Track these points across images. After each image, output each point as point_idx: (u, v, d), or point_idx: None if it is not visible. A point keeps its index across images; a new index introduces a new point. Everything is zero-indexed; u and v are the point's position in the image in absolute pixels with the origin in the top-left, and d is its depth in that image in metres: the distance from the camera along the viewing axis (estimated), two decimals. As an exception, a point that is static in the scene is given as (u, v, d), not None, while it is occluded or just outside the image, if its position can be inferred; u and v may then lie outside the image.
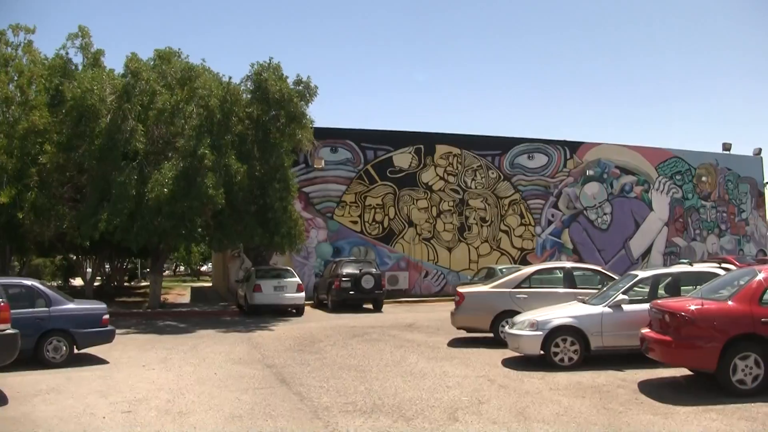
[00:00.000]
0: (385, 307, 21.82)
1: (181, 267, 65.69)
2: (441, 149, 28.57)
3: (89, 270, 31.00)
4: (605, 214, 30.85)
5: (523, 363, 10.50)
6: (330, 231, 26.86)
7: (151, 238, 18.49)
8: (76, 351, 11.24)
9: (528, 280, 13.20)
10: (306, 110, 20.62)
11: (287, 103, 19.73)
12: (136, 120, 18.82)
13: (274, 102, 19.70)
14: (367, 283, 20.90)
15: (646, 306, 9.45)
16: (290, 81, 20.28)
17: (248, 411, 7.70)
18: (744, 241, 33.78)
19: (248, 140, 19.94)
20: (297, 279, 20.85)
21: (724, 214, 33.50)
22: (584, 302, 10.90)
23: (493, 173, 29.22)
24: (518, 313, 11.71)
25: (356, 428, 6.93)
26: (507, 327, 11.27)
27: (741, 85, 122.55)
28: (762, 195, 34.77)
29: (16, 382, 9.48)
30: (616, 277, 12.54)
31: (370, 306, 21.73)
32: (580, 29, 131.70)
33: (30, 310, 10.76)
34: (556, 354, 10.16)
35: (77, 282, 35.22)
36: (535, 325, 10.30)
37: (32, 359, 10.67)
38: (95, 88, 18.15)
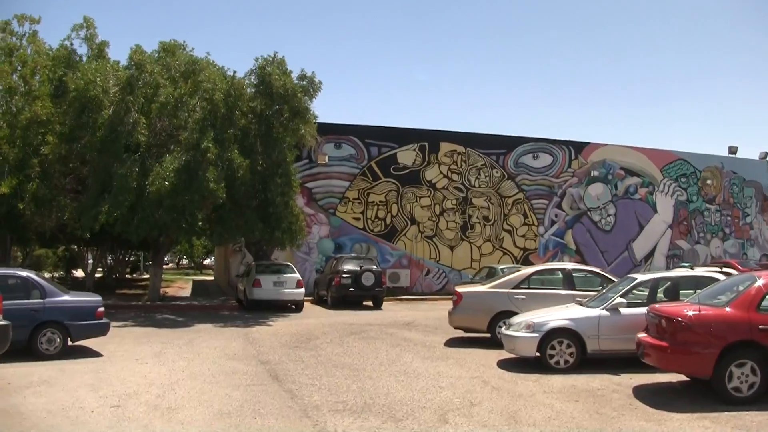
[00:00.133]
0: (385, 304, 21.74)
1: (184, 260, 65.84)
2: (445, 147, 28.44)
3: (91, 261, 31.03)
4: (609, 215, 30.67)
5: (518, 365, 10.41)
6: (332, 227, 26.78)
7: (151, 231, 18.44)
8: (70, 343, 11.21)
9: (527, 281, 13.08)
10: (309, 105, 20.60)
11: (291, 98, 19.68)
12: (138, 112, 18.81)
13: (278, 96, 19.64)
14: (368, 280, 20.82)
15: (644, 310, 9.33)
16: (294, 76, 20.22)
17: (237, 408, 7.64)
18: (748, 245, 33.53)
19: (251, 134, 19.88)
20: (297, 275, 20.79)
21: (729, 218, 33.26)
22: (582, 304, 10.80)
23: (497, 172, 29.08)
24: (516, 313, 11.62)
25: (344, 428, 6.87)
26: (503, 328, 11.19)
27: (748, 89, 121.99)
28: (767, 199, 34.52)
29: (8, 373, 9.47)
30: (616, 280, 12.43)
31: (371, 303, 21.66)
32: (585, 29, 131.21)
33: (24, 301, 10.75)
34: (551, 356, 10.07)
35: (79, 273, 35.25)
36: (531, 327, 10.21)
37: (26, 351, 10.65)
38: (98, 79, 18.12)
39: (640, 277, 10.91)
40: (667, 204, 31.85)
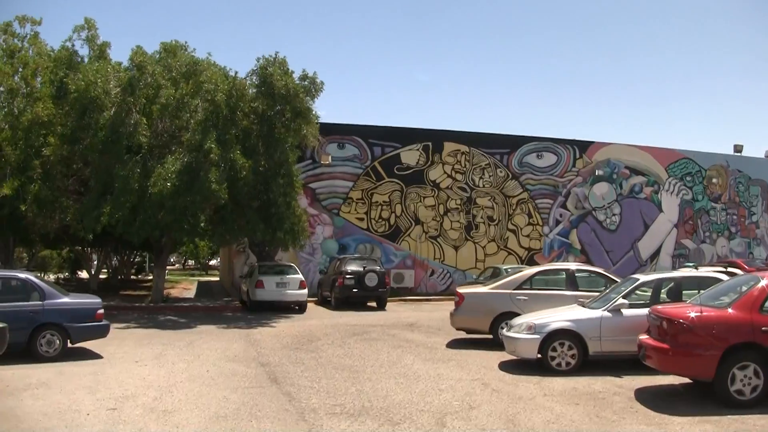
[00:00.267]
0: (389, 305, 21.65)
1: (190, 261, 65.95)
2: (449, 147, 28.32)
3: (96, 262, 31.07)
4: (614, 214, 30.48)
5: (519, 366, 10.31)
6: (336, 227, 26.71)
7: (153, 232, 18.44)
8: (69, 345, 11.17)
9: (529, 282, 12.94)
10: (312, 106, 20.54)
11: (293, 99, 19.61)
12: (140, 113, 18.79)
13: (280, 97, 19.58)
14: (371, 280, 20.73)
15: (646, 311, 9.23)
16: (296, 76, 20.15)
17: (234, 411, 7.58)
18: (754, 244, 33.27)
19: (253, 135, 19.82)
20: (300, 276, 20.73)
21: (735, 217, 33.01)
22: (584, 305, 10.70)
23: (501, 172, 28.95)
24: (518, 314, 11.53)
25: (341, 432, 6.80)
26: (504, 329, 11.09)
27: (752, 87, 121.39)
28: (773, 197, 34.27)
29: (7, 375, 9.45)
30: (619, 280, 12.31)
31: (374, 304, 21.56)
32: (586, 28, 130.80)
33: (24, 303, 10.75)
34: (553, 358, 9.98)
35: (84, 274, 35.32)
36: (532, 329, 10.11)
37: (25, 353, 10.63)
38: (99, 80, 18.10)
39: (643, 278, 10.80)
40: (673, 203, 31.63)
